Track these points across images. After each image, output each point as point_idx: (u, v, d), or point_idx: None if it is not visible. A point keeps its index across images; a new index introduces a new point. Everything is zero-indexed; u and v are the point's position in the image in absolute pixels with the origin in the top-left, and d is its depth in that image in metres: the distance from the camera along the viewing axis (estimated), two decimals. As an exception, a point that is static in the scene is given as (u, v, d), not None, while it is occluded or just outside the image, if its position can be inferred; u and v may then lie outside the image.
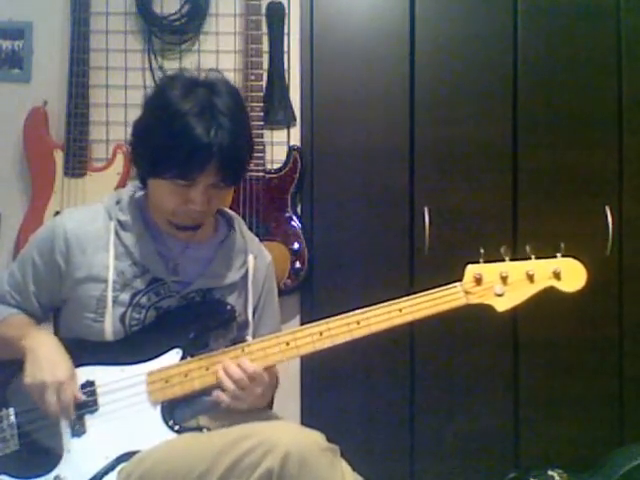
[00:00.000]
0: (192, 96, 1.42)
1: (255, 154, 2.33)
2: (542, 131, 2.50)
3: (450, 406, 2.51)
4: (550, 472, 2.36)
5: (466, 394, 2.51)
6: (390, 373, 2.51)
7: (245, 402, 1.46)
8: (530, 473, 2.38)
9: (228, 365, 1.44)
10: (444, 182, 2.50)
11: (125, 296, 1.52)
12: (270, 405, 1.67)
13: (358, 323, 1.48)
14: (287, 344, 1.48)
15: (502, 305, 1.50)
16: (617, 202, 2.50)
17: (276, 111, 2.52)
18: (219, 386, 1.47)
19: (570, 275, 1.50)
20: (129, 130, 1.56)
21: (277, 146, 2.54)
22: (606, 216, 2.47)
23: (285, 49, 2.54)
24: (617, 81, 2.50)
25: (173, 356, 1.49)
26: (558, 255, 1.51)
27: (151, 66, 2.52)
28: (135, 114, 1.54)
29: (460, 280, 1.51)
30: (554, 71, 2.50)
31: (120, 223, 1.55)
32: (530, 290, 1.50)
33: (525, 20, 2.49)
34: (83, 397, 1.44)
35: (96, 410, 1.45)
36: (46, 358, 1.43)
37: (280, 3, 2.54)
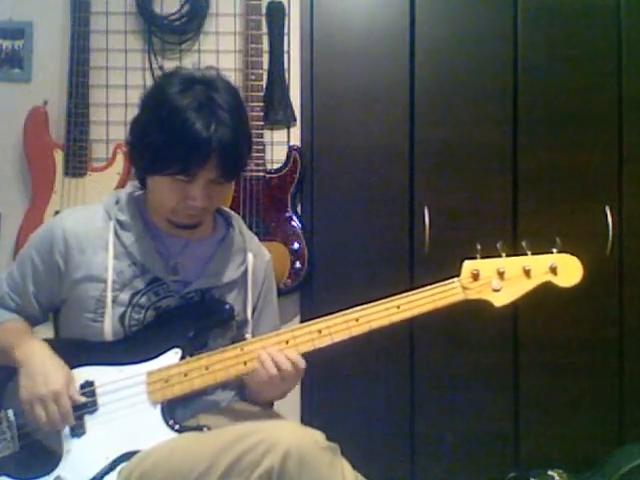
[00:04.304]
0: (190, 92, 1.42)
1: (255, 154, 2.36)
2: (542, 131, 2.50)
3: (450, 406, 2.51)
4: (550, 472, 2.36)
5: (466, 394, 2.51)
6: (390, 373, 2.51)
7: (277, 390, 1.50)
8: (530, 473, 2.39)
9: (275, 354, 1.44)
10: (444, 182, 2.50)
11: (124, 296, 1.52)
12: (271, 404, 1.67)
13: (357, 320, 1.48)
14: (286, 342, 1.47)
15: (500, 300, 1.50)
16: (617, 202, 2.49)
17: (276, 111, 2.52)
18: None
19: (566, 270, 1.50)
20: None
21: (277, 146, 2.54)
22: (606, 216, 2.47)
23: (285, 49, 2.54)
24: (617, 81, 2.50)
25: (172, 356, 1.49)
26: (554, 250, 1.52)
27: (151, 66, 2.52)
28: (135, 114, 1.54)
29: (457, 276, 1.51)
30: (554, 71, 2.50)
31: (119, 223, 1.54)
32: (527, 285, 1.50)
33: (525, 20, 2.49)
34: (82, 399, 1.44)
35: (96, 410, 1.45)
36: (38, 371, 1.42)
37: (280, 3, 2.54)
